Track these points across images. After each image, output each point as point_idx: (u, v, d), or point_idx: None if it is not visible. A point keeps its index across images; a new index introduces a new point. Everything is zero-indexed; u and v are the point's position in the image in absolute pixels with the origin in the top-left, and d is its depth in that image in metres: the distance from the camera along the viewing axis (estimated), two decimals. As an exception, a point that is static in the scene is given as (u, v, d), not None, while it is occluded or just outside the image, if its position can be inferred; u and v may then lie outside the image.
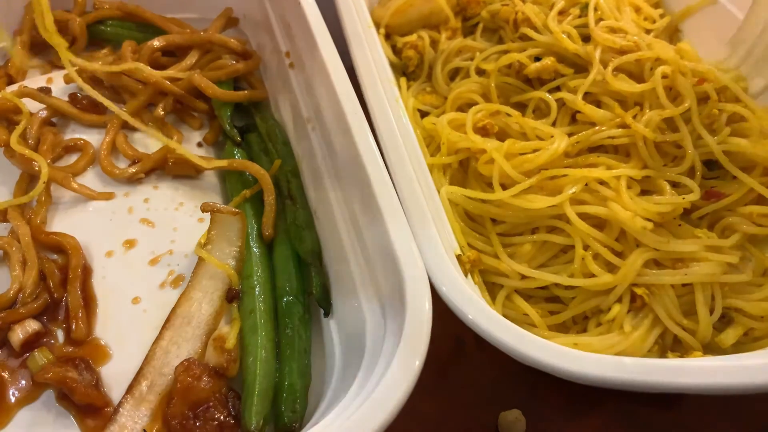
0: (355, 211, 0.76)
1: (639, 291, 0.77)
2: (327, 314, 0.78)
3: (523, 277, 0.80)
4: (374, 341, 0.67)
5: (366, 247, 0.73)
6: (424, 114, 1.00)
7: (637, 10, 1.07)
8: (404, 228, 0.70)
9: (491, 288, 0.82)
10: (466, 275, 0.75)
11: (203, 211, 0.79)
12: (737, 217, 0.83)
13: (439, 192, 0.84)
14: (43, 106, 0.95)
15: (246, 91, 0.97)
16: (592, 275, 0.78)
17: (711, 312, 0.78)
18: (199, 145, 0.97)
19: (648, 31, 1.03)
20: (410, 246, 0.68)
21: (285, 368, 0.72)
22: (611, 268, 0.79)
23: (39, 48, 1.07)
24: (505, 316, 0.72)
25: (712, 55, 1.01)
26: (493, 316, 0.66)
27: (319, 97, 0.86)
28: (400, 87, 1.02)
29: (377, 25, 1.09)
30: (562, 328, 0.81)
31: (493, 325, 0.65)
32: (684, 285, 0.79)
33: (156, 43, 1.00)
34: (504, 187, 0.83)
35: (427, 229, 0.72)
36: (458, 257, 0.76)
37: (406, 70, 1.08)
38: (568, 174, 0.82)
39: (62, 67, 1.04)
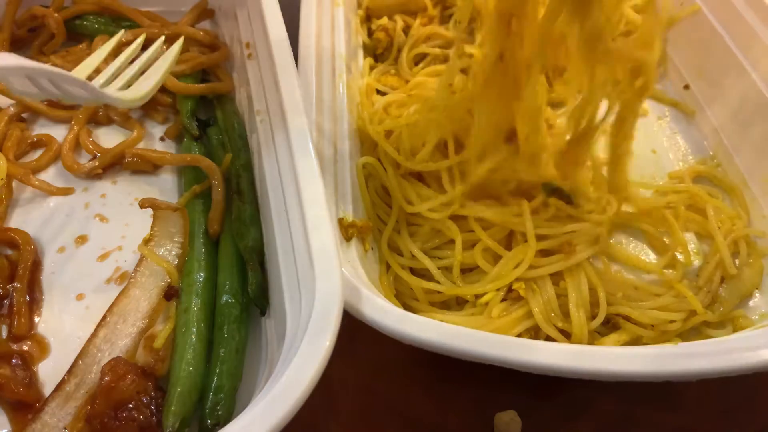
0: (286, 201, 0.74)
1: (515, 285, 0.76)
2: (263, 313, 0.76)
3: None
4: (293, 333, 0.65)
5: (291, 239, 0.71)
6: (383, 94, 1.03)
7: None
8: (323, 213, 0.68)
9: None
10: (348, 240, 0.74)
11: (141, 207, 0.79)
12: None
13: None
14: (12, 102, 0.97)
15: (206, 84, 0.96)
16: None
17: (594, 317, 0.77)
18: (162, 139, 0.97)
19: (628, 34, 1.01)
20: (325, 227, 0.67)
21: (215, 369, 0.71)
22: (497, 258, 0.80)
23: (19, 44, 1.08)
24: (397, 289, 0.82)
25: (690, 62, 1.07)
26: (359, 291, 0.66)
27: (267, 88, 0.83)
28: (363, 67, 1.05)
29: (358, 5, 1.12)
30: (445, 307, 0.82)
31: (355, 297, 0.66)
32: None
33: (124, 38, 0.99)
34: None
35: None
36: (339, 220, 0.75)
37: (375, 51, 1.09)
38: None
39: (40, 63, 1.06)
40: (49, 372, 0.74)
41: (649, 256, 0.89)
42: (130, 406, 0.68)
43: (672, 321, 0.79)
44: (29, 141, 0.94)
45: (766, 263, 0.86)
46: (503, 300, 0.80)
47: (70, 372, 0.71)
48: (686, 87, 1.09)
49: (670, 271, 0.85)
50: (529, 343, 0.66)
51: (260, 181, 0.84)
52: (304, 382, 0.56)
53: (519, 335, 0.77)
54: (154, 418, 0.68)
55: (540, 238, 0.81)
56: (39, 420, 0.68)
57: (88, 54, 0.98)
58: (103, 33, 1.06)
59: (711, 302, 0.83)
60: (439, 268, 0.82)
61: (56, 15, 1.06)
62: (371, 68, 1.08)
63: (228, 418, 0.68)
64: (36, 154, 0.94)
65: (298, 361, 0.57)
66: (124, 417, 0.67)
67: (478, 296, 0.80)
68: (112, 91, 0.73)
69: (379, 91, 1.04)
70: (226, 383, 0.70)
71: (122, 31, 0.92)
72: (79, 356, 0.72)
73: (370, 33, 1.11)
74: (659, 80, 1.12)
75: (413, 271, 0.84)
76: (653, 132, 1.05)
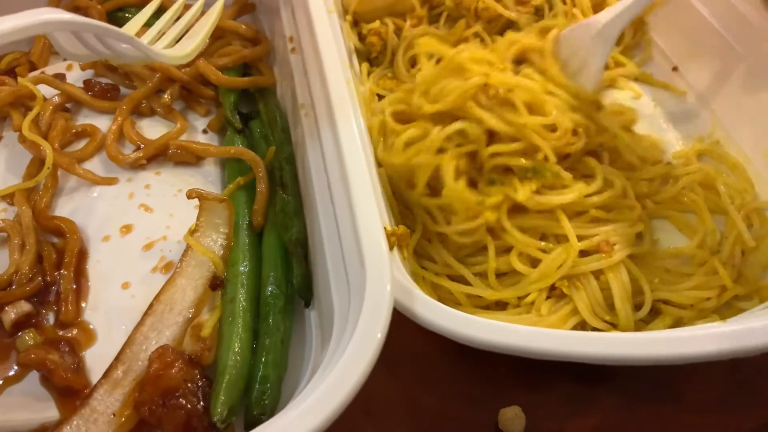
0: (333, 196, 0.74)
1: (558, 283, 0.77)
2: (307, 305, 0.77)
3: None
4: (340, 328, 0.65)
5: (339, 234, 0.71)
6: (382, 98, 1.02)
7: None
8: (374, 216, 0.68)
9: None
10: (390, 248, 0.74)
11: (189, 197, 0.79)
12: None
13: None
14: (58, 92, 0.98)
15: (249, 78, 0.97)
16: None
17: (640, 307, 0.78)
18: (204, 131, 0.97)
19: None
20: (376, 230, 0.67)
21: (260, 358, 0.71)
22: (536, 262, 0.80)
23: (62, 36, 1.09)
24: (438, 294, 0.82)
25: (676, 44, 1.10)
26: (408, 288, 0.67)
27: (312, 82, 0.84)
28: (360, 72, 1.05)
29: (345, 12, 1.11)
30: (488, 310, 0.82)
31: (406, 295, 0.66)
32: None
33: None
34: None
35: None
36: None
37: (369, 56, 1.09)
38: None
39: (83, 55, 1.07)
40: (95, 359, 0.75)
41: (679, 241, 0.90)
42: (178, 393, 0.68)
43: (708, 299, 0.81)
44: (73, 131, 0.95)
45: None
46: (547, 297, 0.80)
47: (117, 359, 0.72)
48: (675, 69, 1.11)
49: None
50: (597, 336, 0.68)
51: (304, 175, 0.84)
52: (353, 379, 0.56)
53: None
54: (200, 406, 0.68)
55: (579, 238, 0.82)
56: (88, 406, 0.69)
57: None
58: (145, 25, 1.07)
59: (737, 276, 0.84)
60: (474, 275, 0.83)
61: (99, 7, 1.08)
62: (369, 73, 1.07)
63: (274, 408, 0.69)
64: (80, 144, 0.95)
65: (347, 358, 0.58)
66: (171, 404, 0.67)
67: (520, 298, 0.81)
68: (159, 48, 0.74)
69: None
70: (272, 373, 0.70)
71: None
72: (127, 344, 0.73)
73: (360, 38, 1.11)
74: (645, 64, 1.15)
75: (448, 277, 0.84)
76: (650, 115, 1.07)
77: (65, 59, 1.07)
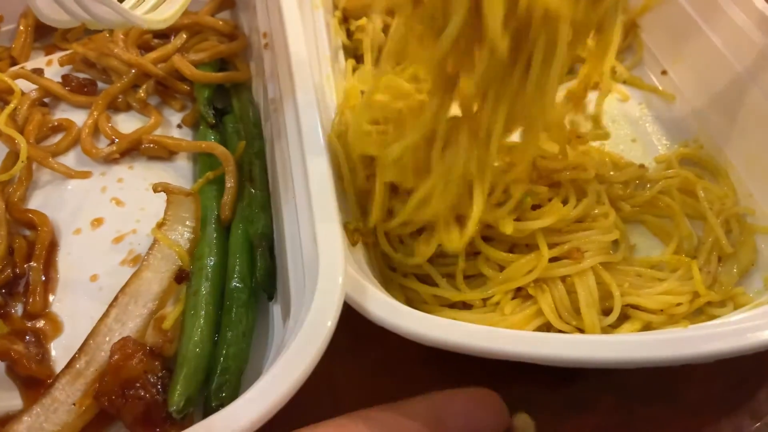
0: (295, 191, 0.75)
1: (524, 285, 0.76)
2: (270, 298, 0.77)
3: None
4: (295, 320, 0.66)
5: (299, 228, 0.72)
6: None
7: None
8: (331, 210, 0.68)
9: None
10: (353, 244, 0.75)
11: (155, 191, 0.80)
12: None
13: None
14: (36, 86, 0.99)
15: (223, 73, 0.97)
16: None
17: (609, 312, 0.77)
18: (179, 126, 0.98)
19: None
20: (331, 223, 0.68)
21: (222, 351, 0.72)
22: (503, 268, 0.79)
23: (43, 30, 1.11)
24: (405, 294, 0.80)
25: (666, 47, 1.09)
26: (365, 287, 0.66)
27: (281, 77, 0.84)
28: (345, 69, 1.03)
29: (335, 7, 1.11)
30: (454, 309, 0.81)
31: (361, 294, 0.65)
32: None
33: (144, 25, 1.01)
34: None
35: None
36: (344, 225, 0.74)
37: (357, 52, 1.08)
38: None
39: (64, 49, 1.09)
40: (61, 350, 0.76)
41: (654, 245, 0.90)
42: (138, 384, 0.69)
43: (679, 304, 0.79)
44: (50, 125, 0.96)
45: (758, 240, 0.88)
46: (513, 298, 0.79)
47: (81, 350, 0.73)
48: (664, 72, 1.10)
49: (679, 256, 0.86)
50: (546, 336, 0.67)
51: (271, 169, 0.85)
52: (304, 362, 0.57)
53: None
54: (160, 397, 0.69)
55: (549, 246, 0.81)
56: (49, 395, 0.69)
57: (111, 42, 1.01)
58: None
59: (712, 282, 0.83)
60: (443, 275, 0.82)
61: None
62: (354, 70, 1.06)
63: (232, 400, 0.69)
64: (56, 138, 0.96)
65: (297, 344, 0.58)
66: (130, 395, 0.68)
67: (485, 299, 0.80)
68: (139, 13, 0.75)
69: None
70: (232, 365, 0.71)
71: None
72: (91, 335, 0.74)
73: (348, 34, 1.10)
74: (635, 67, 1.14)
75: (416, 277, 0.83)
76: (635, 118, 1.06)
77: (45, 54, 1.08)
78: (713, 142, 0.99)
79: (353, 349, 0.74)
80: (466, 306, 0.81)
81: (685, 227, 0.88)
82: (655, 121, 1.06)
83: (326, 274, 0.63)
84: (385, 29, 1.08)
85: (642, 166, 0.95)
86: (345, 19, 1.12)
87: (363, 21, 1.09)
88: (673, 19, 1.06)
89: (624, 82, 1.12)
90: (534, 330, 0.78)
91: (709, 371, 0.81)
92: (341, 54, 1.08)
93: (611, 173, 0.92)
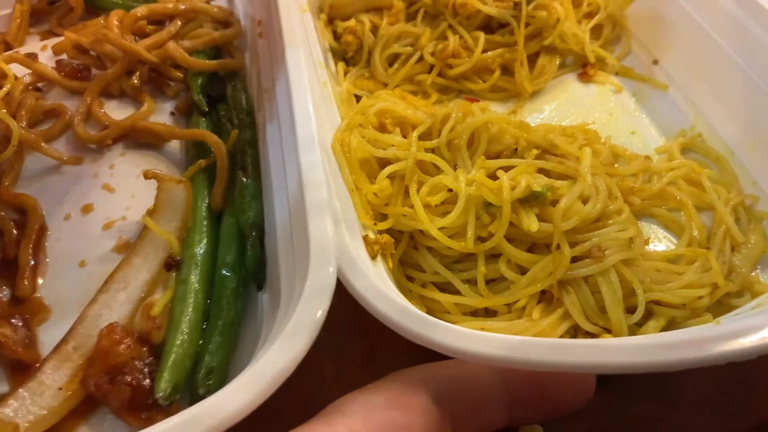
0: (287, 180, 0.74)
1: (549, 288, 0.74)
2: (260, 288, 0.77)
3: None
4: (285, 310, 0.66)
5: (290, 218, 0.72)
6: (359, 99, 0.99)
7: None
8: (322, 201, 0.68)
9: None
10: (374, 257, 0.73)
11: (145, 178, 0.80)
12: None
13: None
14: (29, 71, 0.99)
15: (217, 61, 0.97)
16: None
17: (633, 309, 0.75)
18: (172, 113, 0.98)
19: (591, 15, 1.10)
20: (323, 213, 0.67)
21: (210, 339, 0.72)
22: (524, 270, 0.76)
23: (38, 16, 1.10)
24: (425, 305, 0.76)
25: (656, 37, 1.10)
26: (394, 300, 0.62)
27: (275, 66, 0.84)
28: (337, 72, 1.02)
29: (320, 10, 1.09)
30: (476, 316, 0.78)
31: (392, 307, 0.61)
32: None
33: (139, 12, 1.01)
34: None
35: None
36: (364, 238, 0.73)
37: (345, 55, 1.07)
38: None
39: (58, 35, 1.08)
40: (48, 334, 0.76)
41: (666, 239, 0.89)
42: (125, 370, 0.69)
43: (700, 297, 0.77)
44: (43, 110, 0.96)
45: (765, 226, 0.87)
46: (539, 302, 0.77)
47: (68, 335, 0.73)
48: (655, 62, 1.10)
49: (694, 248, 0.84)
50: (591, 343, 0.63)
51: (264, 158, 0.85)
52: (292, 352, 0.56)
53: (561, 336, 0.75)
54: (146, 383, 0.69)
55: (570, 245, 0.77)
56: (36, 379, 0.69)
57: (104, 27, 1.00)
58: (120, 7, 1.08)
59: (728, 272, 0.81)
60: (463, 282, 0.78)
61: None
62: (345, 73, 1.05)
63: (219, 388, 0.69)
64: (49, 123, 0.96)
65: (286, 334, 0.58)
66: (117, 380, 0.68)
67: (509, 304, 0.77)
68: None
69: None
70: (220, 354, 0.71)
71: None
72: (79, 320, 0.74)
73: (335, 37, 1.09)
74: (625, 57, 1.14)
75: (435, 285, 0.80)
76: (631, 110, 1.06)
77: (40, 40, 1.08)
78: (711, 130, 0.98)
79: (350, 350, 0.73)
80: (488, 313, 0.78)
81: (696, 219, 0.86)
82: (650, 112, 1.05)
83: (317, 264, 0.63)
84: (375, 30, 1.08)
85: (648, 157, 0.94)
86: (330, 21, 1.11)
87: (351, 22, 1.08)
88: (661, 6, 1.06)
89: (616, 74, 1.11)
90: (563, 333, 0.75)
91: (704, 369, 0.80)
92: (329, 57, 1.07)
93: (617, 166, 0.91)
